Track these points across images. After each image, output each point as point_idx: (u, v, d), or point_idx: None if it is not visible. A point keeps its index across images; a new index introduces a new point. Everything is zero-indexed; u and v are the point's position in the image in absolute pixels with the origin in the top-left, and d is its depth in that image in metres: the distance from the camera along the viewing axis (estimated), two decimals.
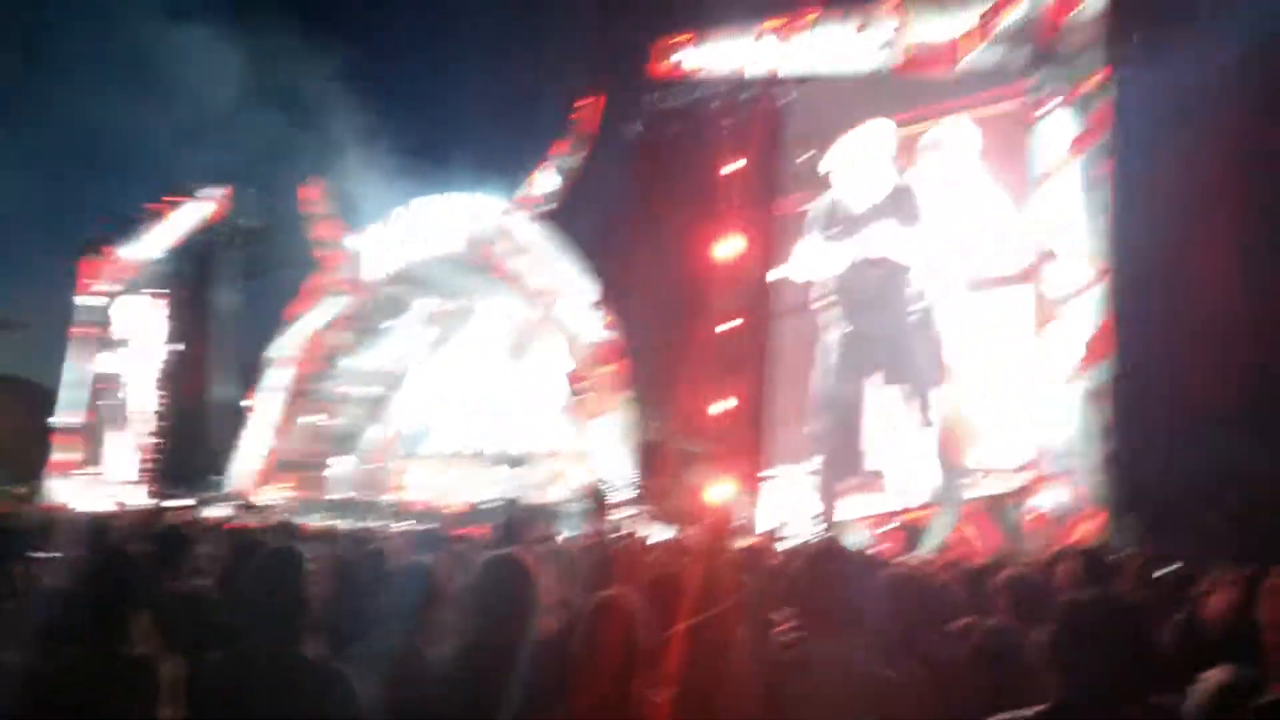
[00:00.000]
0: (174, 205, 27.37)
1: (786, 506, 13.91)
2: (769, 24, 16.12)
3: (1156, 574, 5.00)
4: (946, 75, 13.99)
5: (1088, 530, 11.09)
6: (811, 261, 14.75)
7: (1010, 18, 13.38)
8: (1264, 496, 9.24)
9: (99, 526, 7.18)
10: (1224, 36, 10.79)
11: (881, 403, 13.75)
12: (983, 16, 13.62)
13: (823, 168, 14.76)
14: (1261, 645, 2.45)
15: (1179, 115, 10.79)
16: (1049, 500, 11.75)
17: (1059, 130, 12.67)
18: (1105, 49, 12.37)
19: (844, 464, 13.81)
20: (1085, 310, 12.03)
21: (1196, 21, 11.33)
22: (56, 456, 27.16)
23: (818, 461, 14.00)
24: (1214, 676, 2.14)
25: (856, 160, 14.46)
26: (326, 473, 24.41)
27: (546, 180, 21.26)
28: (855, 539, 12.00)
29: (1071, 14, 12.77)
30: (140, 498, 22.21)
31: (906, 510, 13.03)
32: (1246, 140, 10.33)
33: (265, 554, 2.90)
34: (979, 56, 13.69)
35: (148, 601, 2.87)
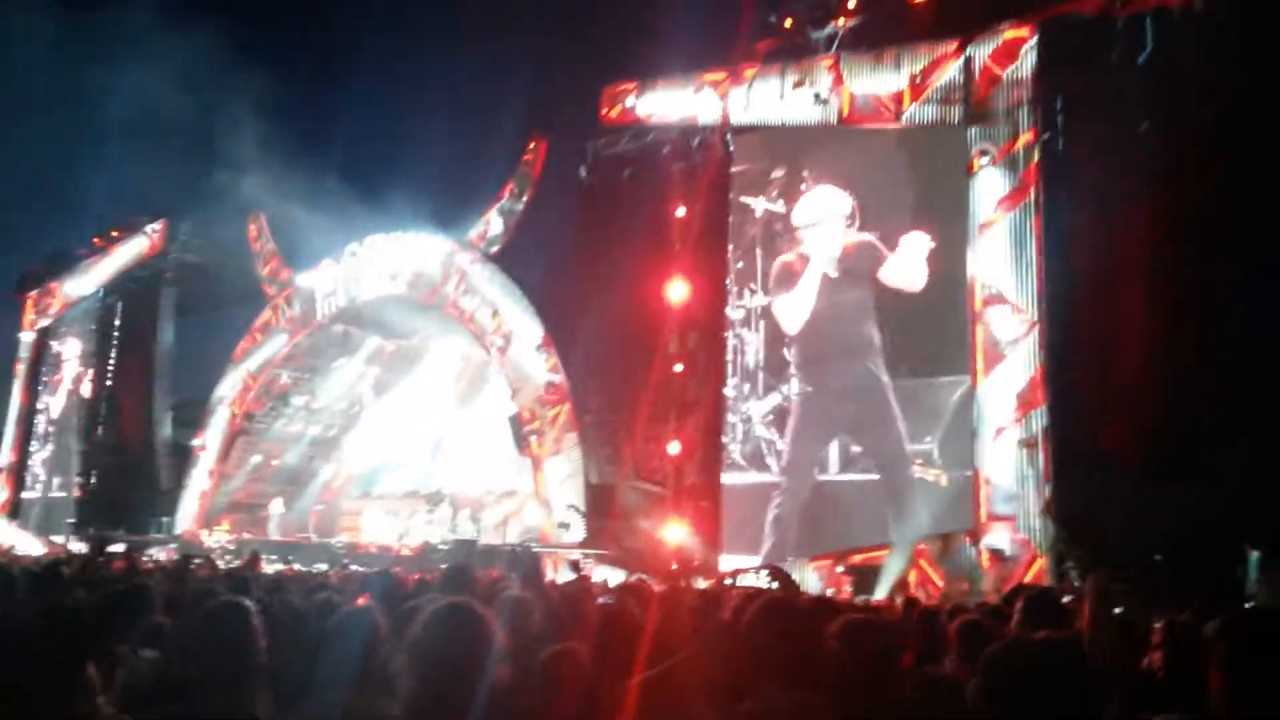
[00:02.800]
0: (115, 240, 26.98)
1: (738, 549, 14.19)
2: (710, 76, 16.61)
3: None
4: (887, 128, 14.57)
5: (1035, 570, 11.54)
6: (793, 314, 15.17)
7: (945, 76, 13.99)
8: (1196, 538, 9.71)
9: (50, 577, 6.90)
10: (1139, 106, 11.52)
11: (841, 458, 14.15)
12: (914, 76, 14.23)
13: (797, 219, 15.23)
14: (1207, 694, 2.42)
15: (1100, 178, 11.44)
16: (998, 540, 12.14)
17: (992, 185, 13.27)
18: (1031, 112, 13.02)
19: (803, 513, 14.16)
20: (1021, 359, 12.55)
21: (1115, 90, 12.04)
22: None
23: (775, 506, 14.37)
24: None
25: (820, 221, 14.96)
26: (276, 513, 24.01)
27: (495, 221, 21.39)
28: (808, 582, 12.32)
29: (1005, 73, 13.41)
30: (80, 539, 21.72)
31: (860, 551, 13.34)
32: (1162, 206, 10.97)
33: (213, 607, 2.85)
34: (916, 112, 14.28)
35: (96, 656, 2.80)
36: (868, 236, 14.43)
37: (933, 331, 13.54)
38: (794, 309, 15.05)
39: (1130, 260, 11.42)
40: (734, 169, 16.40)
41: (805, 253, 15.05)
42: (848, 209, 14.68)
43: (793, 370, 14.89)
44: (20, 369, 28.29)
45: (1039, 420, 12.19)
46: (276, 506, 24.17)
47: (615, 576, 11.82)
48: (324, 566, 15.60)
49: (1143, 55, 11.94)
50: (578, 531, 17.14)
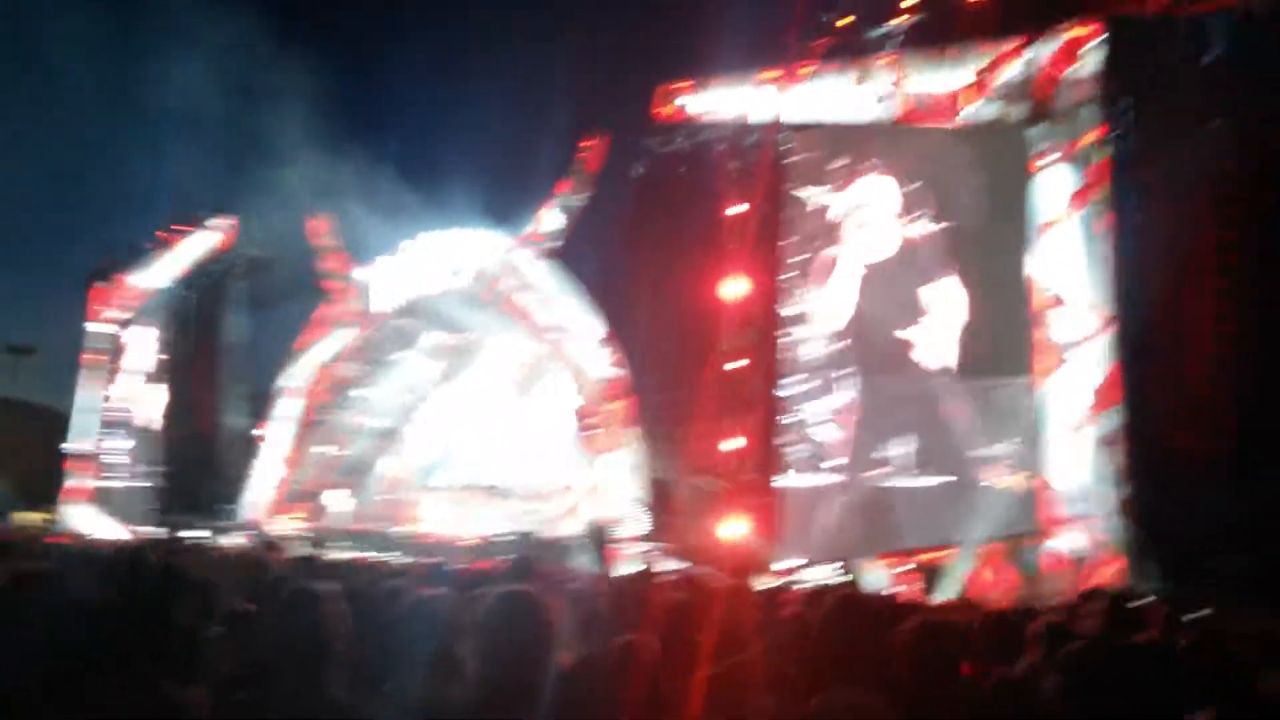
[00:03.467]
0: (183, 234, 27.65)
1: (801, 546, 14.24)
2: (767, 74, 16.60)
3: (1184, 619, 5.07)
4: (947, 126, 14.48)
5: (1106, 575, 11.42)
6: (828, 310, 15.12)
7: (1007, 74, 13.87)
8: (1273, 544, 9.57)
9: (135, 562, 7.13)
10: (1212, 103, 11.34)
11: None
12: (979, 73, 14.11)
13: (833, 215, 15.16)
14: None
15: (1171, 176, 11.29)
16: (1067, 543, 12.00)
17: (1058, 183, 13.12)
18: (1101, 107, 12.86)
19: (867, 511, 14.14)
20: (1092, 357, 12.38)
21: (1186, 87, 11.86)
22: (71, 483, 27.33)
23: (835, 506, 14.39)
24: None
25: (865, 213, 14.86)
26: (338, 503, 24.56)
27: (552, 218, 21.61)
28: (873, 580, 12.30)
29: (1067, 72, 13.27)
30: (159, 525, 22.41)
31: (925, 550, 13.31)
32: (1237, 198, 10.80)
33: (287, 594, 2.89)
34: (978, 110, 14.17)
35: (174, 639, 2.90)
36: (932, 233, 14.28)
37: (997, 333, 13.41)
38: (830, 304, 14.99)
39: (1203, 257, 11.28)
40: (790, 160, 16.33)
41: (842, 246, 14.98)
42: (895, 201, 14.51)
43: (849, 369, 14.83)
44: (92, 359, 29.13)
45: (1115, 419, 12.01)
46: (332, 497, 24.67)
47: (678, 569, 11.91)
48: (389, 556, 15.94)
49: (1213, 53, 11.74)
50: (640, 525, 17.29)
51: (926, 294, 14.11)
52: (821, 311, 15.17)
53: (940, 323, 13.91)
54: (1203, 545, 10.08)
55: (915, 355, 14.02)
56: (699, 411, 16.44)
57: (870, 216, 14.80)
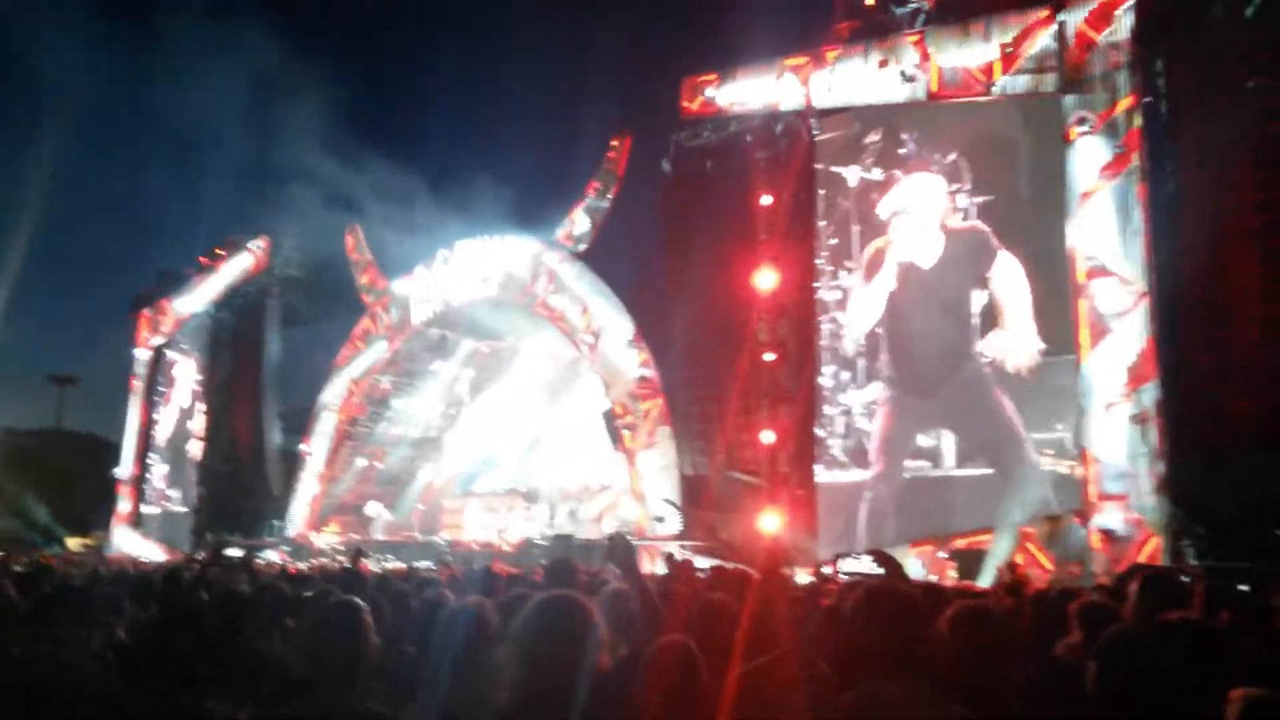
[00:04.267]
0: (221, 258, 28.11)
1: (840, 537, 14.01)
2: (791, 61, 16.40)
3: (1229, 594, 4.87)
4: (979, 100, 14.18)
5: (1150, 551, 11.09)
6: (868, 310, 14.87)
7: (1038, 43, 13.53)
8: None
9: (170, 579, 7.17)
10: (1248, 62, 10.95)
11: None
12: (1005, 46, 13.78)
13: (882, 211, 14.92)
14: None
15: (1207, 141, 10.91)
16: (1109, 520, 11.72)
17: (1092, 153, 12.78)
18: (1132, 75, 12.50)
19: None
20: (1131, 331, 12.06)
21: (1220, 47, 11.47)
22: (120, 507, 27.84)
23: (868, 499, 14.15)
24: (1241, 696, 2.09)
25: (915, 210, 14.56)
26: (374, 515, 24.75)
27: (582, 220, 21.60)
28: (911, 567, 12.05)
29: (1100, 37, 12.90)
30: (201, 545, 22.72)
31: (963, 535, 13.03)
32: (1274, 165, 10.41)
33: (325, 607, 2.92)
34: (1008, 83, 13.84)
35: (217, 655, 2.93)
36: (976, 223, 13.97)
37: (1038, 309, 13.10)
38: (868, 302, 14.79)
39: (1242, 225, 10.88)
40: (822, 137, 16.09)
41: (889, 241, 14.72)
42: (942, 197, 14.21)
43: (884, 360, 14.56)
44: (137, 385, 29.67)
45: (1150, 395, 11.67)
46: (373, 509, 24.86)
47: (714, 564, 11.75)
48: (429, 564, 15.94)
49: (1250, 8, 11.32)
50: (674, 524, 17.17)
51: (970, 285, 13.76)
52: (865, 303, 14.86)
53: (1012, 302, 13.49)
54: (1242, 520, 9.72)
55: (955, 343, 13.69)
56: (733, 406, 16.30)
57: (911, 210, 14.49)
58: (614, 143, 21.32)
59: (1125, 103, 12.51)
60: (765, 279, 16.42)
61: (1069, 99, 13.10)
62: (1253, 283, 10.67)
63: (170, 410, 28.69)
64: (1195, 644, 2.33)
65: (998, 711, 2.84)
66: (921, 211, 14.45)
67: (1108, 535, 11.57)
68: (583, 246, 21.36)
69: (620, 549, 6.62)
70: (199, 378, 28.06)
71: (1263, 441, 9.87)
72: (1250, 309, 10.67)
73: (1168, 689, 2.24)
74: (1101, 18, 12.88)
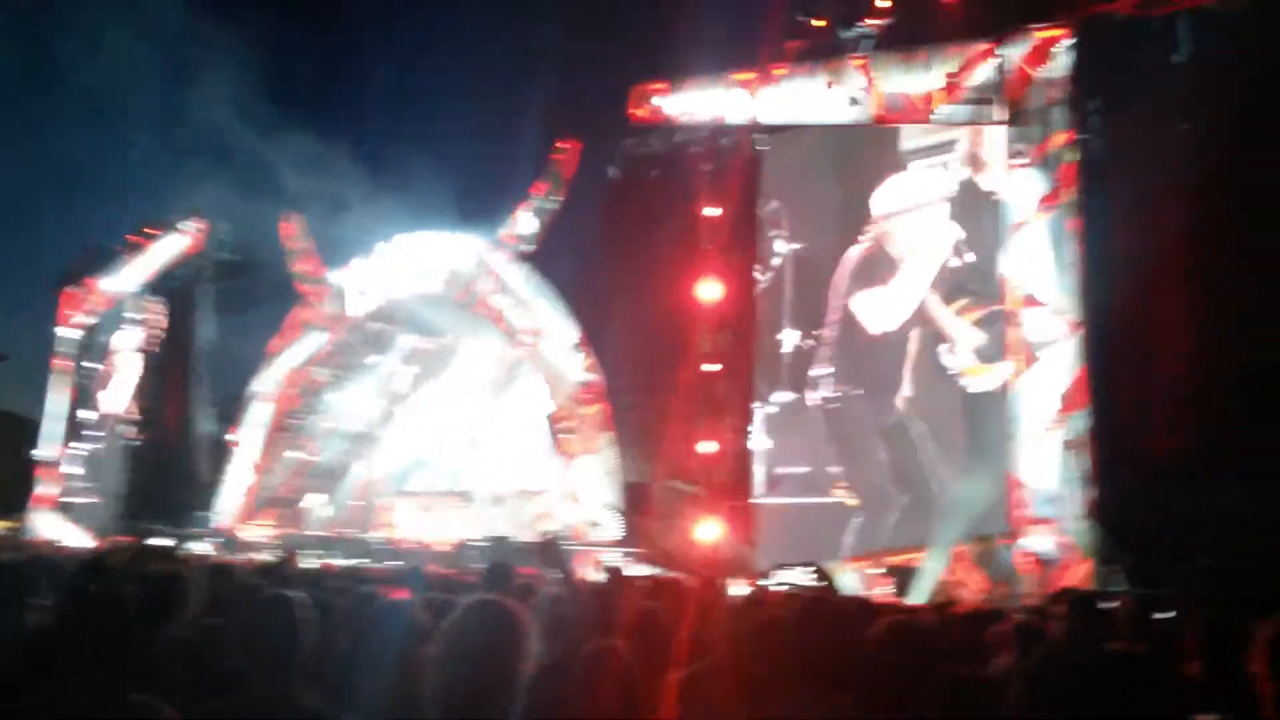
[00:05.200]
0: (153, 238, 27.40)
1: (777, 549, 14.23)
2: (741, 75, 16.63)
3: (1152, 617, 5.02)
4: (920, 127, 14.55)
5: (1076, 575, 11.48)
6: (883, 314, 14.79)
7: (978, 77, 13.94)
8: (1243, 542, 9.65)
9: (93, 566, 7.01)
10: (1179, 106, 11.45)
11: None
12: (949, 75, 14.16)
13: (878, 207, 14.95)
14: (1255, 696, 2.42)
15: (1140, 179, 11.38)
16: (1038, 543, 12.07)
17: (1028, 185, 13.20)
18: (1069, 111, 12.96)
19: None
20: (1061, 359, 12.48)
21: (1153, 90, 11.96)
22: (40, 490, 26.98)
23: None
24: None
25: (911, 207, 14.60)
26: (313, 508, 24.39)
27: (527, 220, 21.58)
28: (846, 582, 12.32)
29: (1038, 73, 13.34)
30: (126, 531, 22.15)
31: (898, 552, 13.30)
32: (1203, 206, 10.90)
33: (258, 601, 2.87)
34: (950, 112, 14.23)
35: (141, 645, 2.85)
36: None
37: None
38: (885, 308, 14.64)
39: (1172, 261, 11.34)
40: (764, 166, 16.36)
41: (888, 244, 14.73)
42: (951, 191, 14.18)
43: (826, 371, 14.83)
44: (62, 365, 28.79)
45: (1082, 422, 12.11)
46: (313, 501, 24.49)
47: (651, 573, 11.87)
48: (361, 561, 15.83)
49: (1179, 55, 11.85)
50: (612, 530, 17.27)
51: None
52: (864, 314, 14.91)
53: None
54: (1169, 547, 10.16)
55: (892, 356, 14.04)
56: (674, 415, 16.43)
57: (917, 208, 14.55)
58: (561, 145, 21.36)
59: (1060, 138, 12.97)
60: (708, 290, 16.58)
61: (1009, 131, 13.53)
62: (1178, 318, 11.15)
63: (96, 392, 27.91)
64: (1119, 669, 2.51)
65: None
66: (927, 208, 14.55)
67: (1037, 558, 11.93)
68: (528, 247, 21.35)
69: (550, 552, 6.66)
70: (127, 360, 27.31)
71: (1186, 472, 10.29)
72: (1176, 343, 11.14)
73: (1093, 711, 2.38)
74: (1040, 54, 13.32)
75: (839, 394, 14.67)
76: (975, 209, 14.19)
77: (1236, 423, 10.57)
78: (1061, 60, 13.15)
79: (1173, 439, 10.58)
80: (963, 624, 4.95)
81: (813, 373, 14.99)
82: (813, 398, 14.93)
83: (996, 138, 13.91)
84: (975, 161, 14.45)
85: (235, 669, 2.74)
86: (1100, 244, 12.14)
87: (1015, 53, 13.55)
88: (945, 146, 14.57)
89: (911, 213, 14.54)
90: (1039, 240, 12.86)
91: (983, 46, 13.82)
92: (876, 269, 14.72)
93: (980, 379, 13.31)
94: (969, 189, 14.40)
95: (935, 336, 13.86)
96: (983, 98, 13.90)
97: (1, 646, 3.26)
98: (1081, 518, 11.84)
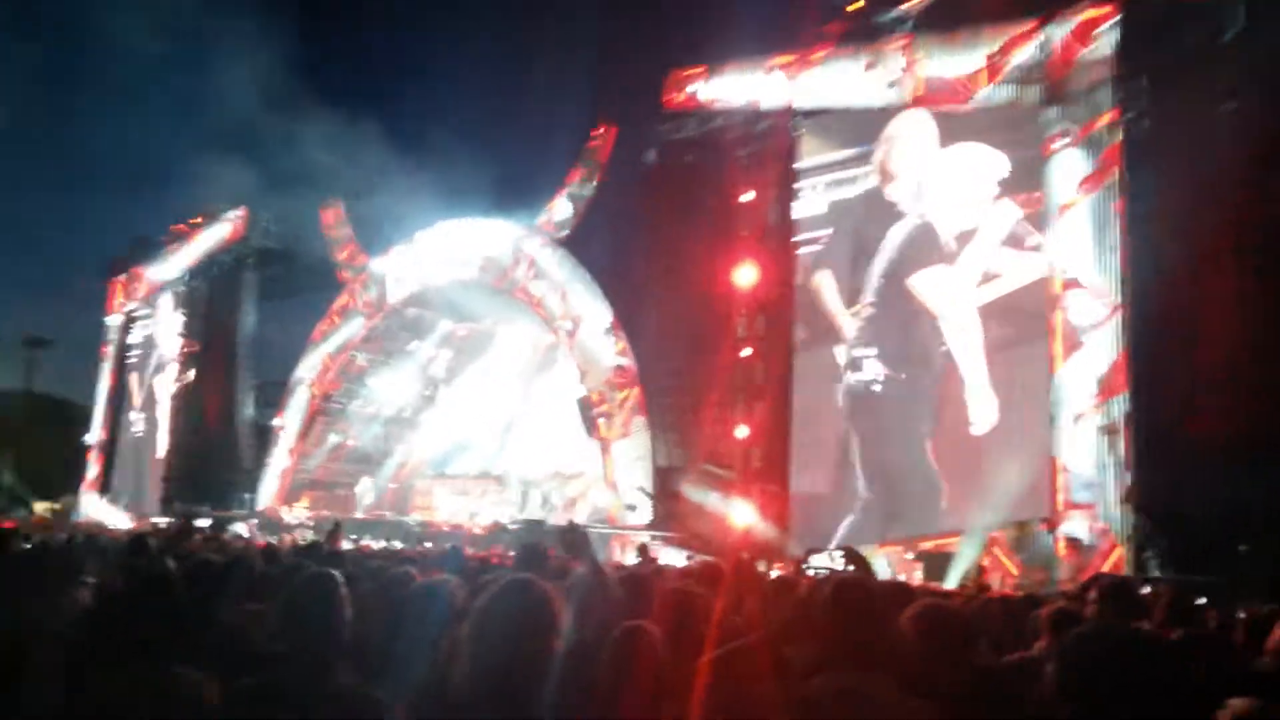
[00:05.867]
0: (197, 226, 27.86)
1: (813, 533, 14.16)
2: (779, 59, 16.50)
3: (1189, 605, 5.10)
4: (959, 109, 14.33)
5: (1115, 560, 11.34)
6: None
7: (1019, 58, 13.69)
8: (1275, 534, 9.47)
9: (137, 547, 7.14)
10: (1226, 85, 11.17)
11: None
12: (990, 56, 13.93)
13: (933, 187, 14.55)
14: None
15: (1186, 159, 11.13)
16: (1076, 528, 11.92)
17: (1072, 166, 12.96)
18: (1114, 91, 12.69)
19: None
20: (1103, 343, 12.29)
21: (1200, 69, 11.68)
22: (89, 473, 27.59)
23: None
24: (1234, 707, 2.20)
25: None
26: (363, 492, 24.72)
27: (563, 207, 21.63)
28: (880, 567, 12.23)
29: (1080, 55, 13.08)
30: (169, 514, 22.60)
31: (934, 537, 13.20)
32: (1249, 186, 10.65)
33: (300, 579, 2.86)
34: (991, 93, 14.01)
35: (185, 624, 2.88)
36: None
37: (1013, 317, 13.30)
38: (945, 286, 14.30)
39: (1216, 243, 11.10)
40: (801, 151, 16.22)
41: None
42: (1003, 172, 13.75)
43: (866, 353, 14.68)
44: (109, 351, 29.39)
45: (1121, 406, 11.90)
46: (364, 486, 24.79)
47: (683, 559, 11.89)
48: (400, 543, 16.01)
49: (1228, 34, 11.54)
50: (645, 514, 17.31)
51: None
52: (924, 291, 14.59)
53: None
54: (1207, 533, 9.98)
55: (930, 336, 13.87)
56: (709, 400, 16.41)
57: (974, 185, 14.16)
58: (597, 131, 21.35)
59: (1106, 118, 12.71)
60: (745, 275, 16.52)
61: (1050, 111, 13.28)
62: (1225, 301, 10.91)
63: (144, 377, 28.45)
64: (1151, 654, 2.47)
65: (955, 706, 2.85)
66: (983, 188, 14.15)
67: (1074, 543, 11.78)
68: (564, 233, 21.40)
69: (573, 539, 6.65)
70: (172, 346, 27.82)
71: (1228, 457, 10.09)
72: (1221, 326, 10.90)
73: (1125, 695, 2.32)
74: (1085, 33, 13.05)
75: (883, 376, 14.49)
76: (881, 219, 14.45)
77: (1277, 408, 10.35)
78: (1106, 39, 12.87)
79: (1213, 424, 10.37)
80: (998, 609, 4.87)
81: (855, 353, 14.80)
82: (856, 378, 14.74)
83: (909, 149, 14.11)
84: (885, 173, 14.75)
85: (276, 647, 2.74)
86: (1144, 226, 11.89)
87: (1058, 32, 13.30)
88: (858, 160, 15.00)
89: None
90: (1082, 222, 12.64)
91: (1025, 26, 13.58)
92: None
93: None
94: (874, 198, 14.73)
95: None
96: (1026, 78, 13.66)
97: (52, 624, 3.29)
98: (1118, 503, 11.68)
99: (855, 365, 14.71)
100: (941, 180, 14.37)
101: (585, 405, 19.62)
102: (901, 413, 14.11)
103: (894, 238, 14.61)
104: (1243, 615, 4.16)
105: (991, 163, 13.84)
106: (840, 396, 14.76)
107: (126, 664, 2.65)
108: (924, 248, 14.24)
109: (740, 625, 3.46)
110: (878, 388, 14.43)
